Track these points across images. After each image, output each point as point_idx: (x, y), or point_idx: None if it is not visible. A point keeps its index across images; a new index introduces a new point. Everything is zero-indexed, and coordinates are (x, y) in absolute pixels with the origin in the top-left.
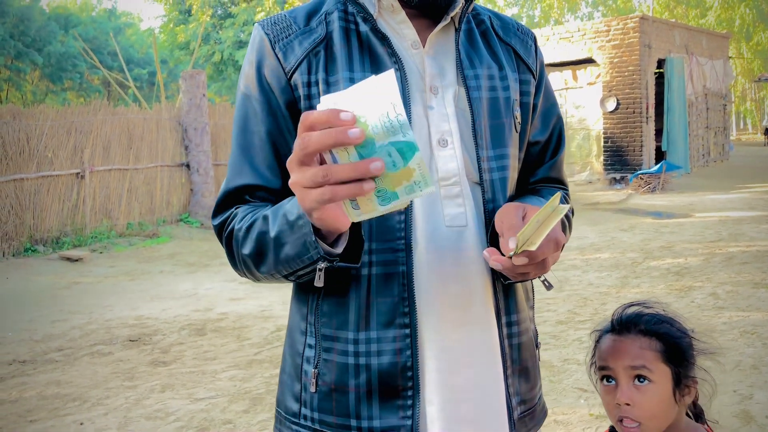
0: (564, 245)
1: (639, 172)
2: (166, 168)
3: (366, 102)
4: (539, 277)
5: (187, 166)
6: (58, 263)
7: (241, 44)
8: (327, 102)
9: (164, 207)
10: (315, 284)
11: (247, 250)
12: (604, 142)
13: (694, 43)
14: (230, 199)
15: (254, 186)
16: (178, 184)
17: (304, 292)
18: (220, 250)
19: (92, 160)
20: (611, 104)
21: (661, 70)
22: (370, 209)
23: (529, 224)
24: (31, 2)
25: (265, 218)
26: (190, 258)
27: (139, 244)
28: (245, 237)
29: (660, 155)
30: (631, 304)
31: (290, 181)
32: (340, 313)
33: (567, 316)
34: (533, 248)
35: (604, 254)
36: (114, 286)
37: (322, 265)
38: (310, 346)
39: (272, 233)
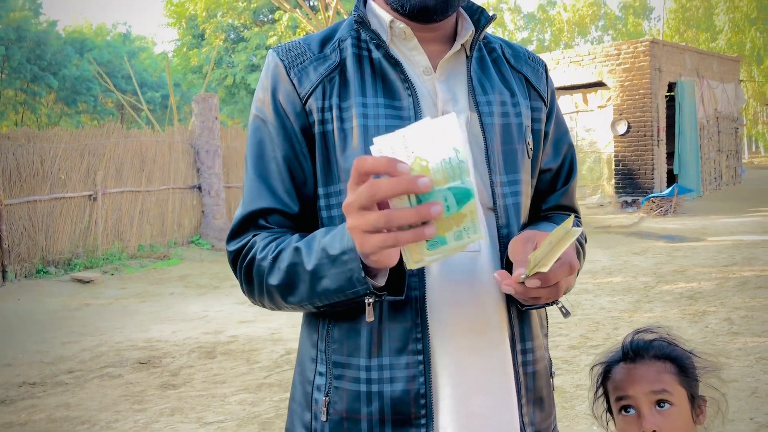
0: (578, 270)
1: (650, 195)
2: (178, 190)
3: (426, 144)
4: (557, 303)
5: (199, 188)
6: (70, 285)
7: (254, 68)
8: (382, 143)
9: (176, 229)
10: (366, 319)
11: (274, 280)
12: (616, 165)
13: (705, 66)
14: (247, 223)
15: (272, 210)
16: (190, 206)
17: (314, 319)
18: (231, 272)
19: (105, 182)
20: (622, 127)
21: (672, 94)
22: (417, 254)
23: (541, 247)
24: (47, 27)
25: (297, 250)
26: (200, 280)
27: (150, 266)
28: (272, 267)
29: (672, 178)
30: (638, 331)
31: (349, 225)
32: (352, 339)
33: (579, 341)
34: (545, 270)
35: (616, 278)
36: (125, 308)
37: (370, 299)
38: (320, 374)
39: (309, 266)
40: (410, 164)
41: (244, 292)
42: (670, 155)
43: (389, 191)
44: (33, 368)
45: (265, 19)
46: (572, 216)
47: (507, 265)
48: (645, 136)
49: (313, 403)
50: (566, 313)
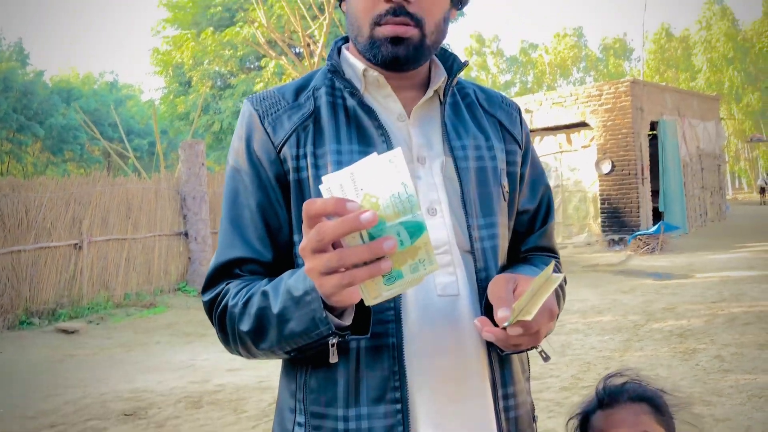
0: (557, 315)
1: (637, 233)
2: (165, 237)
3: (374, 180)
4: (536, 348)
5: (186, 234)
6: (54, 336)
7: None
8: (331, 181)
9: (162, 276)
10: (330, 360)
11: (245, 326)
12: (601, 204)
13: (686, 105)
14: (221, 273)
15: (245, 259)
16: (176, 252)
17: (292, 367)
18: None
19: (91, 230)
20: (606, 167)
21: (655, 132)
22: (375, 290)
23: (524, 295)
24: (34, 77)
25: (265, 294)
26: (187, 328)
27: (136, 315)
28: (242, 313)
29: (657, 216)
30: (608, 376)
31: (306, 269)
32: (329, 388)
33: (571, 381)
34: (529, 318)
35: (605, 317)
36: (110, 359)
37: (333, 340)
38: (299, 425)
39: (275, 309)
40: (360, 201)
41: (221, 341)
42: (655, 193)
43: (336, 231)
44: (14, 423)
45: (252, 66)
46: (553, 262)
47: (486, 308)
48: (629, 174)
49: None
50: (546, 358)
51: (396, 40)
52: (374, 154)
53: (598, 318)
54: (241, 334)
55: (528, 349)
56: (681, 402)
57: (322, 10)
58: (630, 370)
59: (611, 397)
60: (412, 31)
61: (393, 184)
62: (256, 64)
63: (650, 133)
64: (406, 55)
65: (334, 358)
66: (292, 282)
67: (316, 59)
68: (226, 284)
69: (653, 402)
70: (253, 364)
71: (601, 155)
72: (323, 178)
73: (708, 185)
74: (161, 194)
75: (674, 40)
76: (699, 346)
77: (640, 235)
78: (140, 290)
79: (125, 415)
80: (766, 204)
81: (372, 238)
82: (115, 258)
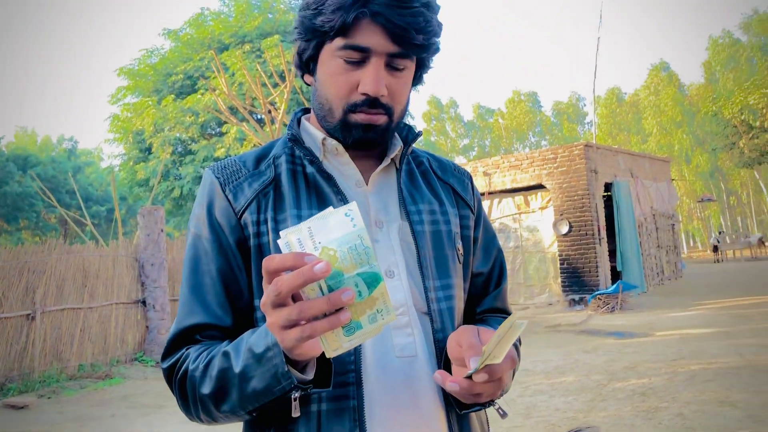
0: (515, 371)
1: (597, 292)
2: (122, 305)
3: (331, 233)
4: (493, 404)
5: (144, 302)
6: (1, 412)
7: (201, 179)
8: (289, 236)
9: (118, 346)
10: (293, 415)
11: (206, 389)
12: (561, 264)
13: (638, 167)
14: (181, 339)
15: (206, 325)
16: (134, 321)
17: (253, 430)
18: None
19: (44, 300)
20: (564, 227)
21: (609, 194)
22: (336, 342)
23: (490, 341)
24: None
25: (226, 354)
26: (144, 399)
27: (90, 387)
28: (203, 376)
29: (616, 275)
30: (574, 431)
31: (267, 323)
32: None
33: None
34: (498, 361)
35: (569, 377)
36: None
37: (296, 394)
38: None
39: (237, 369)
40: (318, 255)
41: (180, 409)
42: (612, 252)
43: (292, 284)
44: None
45: (213, 132)
46: (515, 312)
47: (445, 368)
48: (587, 235)
49: None
50: (503, 414)
51: (368, 127)
52: (330, 208)
53: (562, 378)
54: (202, 398)
55: (485, 406)
56: None
57: (282, 78)
58: (593, 427)
59: None
60: (382, 119)
61: (350, 236)
62: (218, 129)
63: (605, 194)
64: (375, 138)
65: (296, 413)
66: (253, 340)
67: (277, 125)
68: (186, 349)
69: None
70: None
71: (558, 216)
72: (281, 233)
73: (663, 244)
74: (119, 261)
75: (624, 104)
76: (661, 405)
77: (600, 294)
78: (95, 361)
79: None
80: (720, 262)
81: (331, 290)
82: (70, 328)
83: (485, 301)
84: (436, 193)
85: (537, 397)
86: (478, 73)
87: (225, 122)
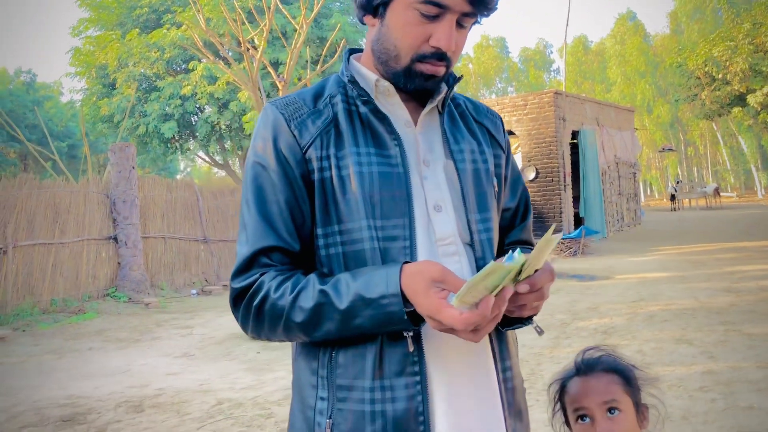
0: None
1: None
2: (93, 241)
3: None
4: (531, 323)
5: (115, 239)
6: None
7: (167, 117)
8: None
9: (90, 282)
10: (409, 350)
11: (298, 318)
12: None
13: (604, 115)
14: (251, 261)
15: (275, 248)
16: (105, 258)
17: (314, 348)
18: (152, 325)
19: (16, 234)
20: (531, 173)
21: (576, 141)
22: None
23: (533, 251)
24: None
25: (323, 292)
26: (119, 334)
27: (64, 321)
28: (293, 306)
29: (578, 221)
30: (587, 349)
31: (439, 314)
32: (358, 363)
33: None
34: (539, 266)
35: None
36: (40, 366)
37: (410, 333)
38: (322, 399)
39: (341, 306)
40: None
41: (244, 328)
42: (576, 199)
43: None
44: None
45: (179, 69)
46: (553, 225)
47: None
48: (552, 181)
49: (316, 427)
50: (540, 332)
51: (429, 77)
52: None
53: None
54: (290, 324)
55: (525, 324)
56: (648, 378)
57: (261, 12)
58: (607, 346)
59: (587, 366)
60: (443, 70)
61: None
62: (183, 66)
63: (571, 141)
64: (433, 87)
65: (411, 347)
66: (359, 284)
67: (255, 64)
68: (260, 274)
69: (624, 374)
70: (192, 368)
71: (525, 162)
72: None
73: (624, 192)
74: (90, 198)
75: (590, 53)
76: (622, 342)
77: (563, 239)
78: (67, 296)
79: (63, 421)
80: (676, 210)
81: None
82: (41, 263)
83: (512, 233)
84: (474, 133)
85: None
86: None
87: (191, 58)
